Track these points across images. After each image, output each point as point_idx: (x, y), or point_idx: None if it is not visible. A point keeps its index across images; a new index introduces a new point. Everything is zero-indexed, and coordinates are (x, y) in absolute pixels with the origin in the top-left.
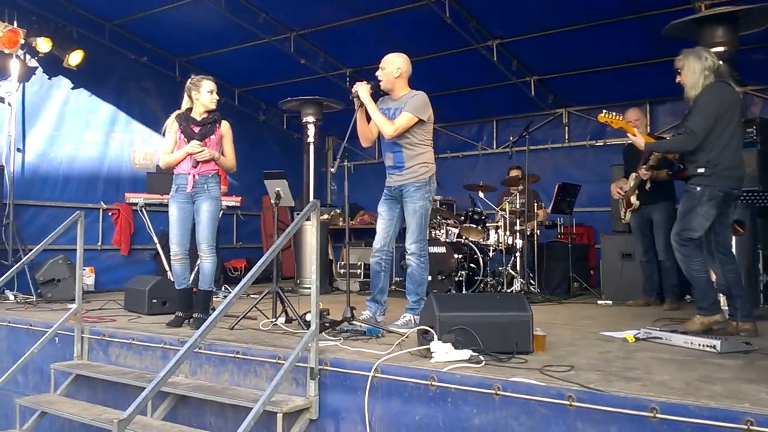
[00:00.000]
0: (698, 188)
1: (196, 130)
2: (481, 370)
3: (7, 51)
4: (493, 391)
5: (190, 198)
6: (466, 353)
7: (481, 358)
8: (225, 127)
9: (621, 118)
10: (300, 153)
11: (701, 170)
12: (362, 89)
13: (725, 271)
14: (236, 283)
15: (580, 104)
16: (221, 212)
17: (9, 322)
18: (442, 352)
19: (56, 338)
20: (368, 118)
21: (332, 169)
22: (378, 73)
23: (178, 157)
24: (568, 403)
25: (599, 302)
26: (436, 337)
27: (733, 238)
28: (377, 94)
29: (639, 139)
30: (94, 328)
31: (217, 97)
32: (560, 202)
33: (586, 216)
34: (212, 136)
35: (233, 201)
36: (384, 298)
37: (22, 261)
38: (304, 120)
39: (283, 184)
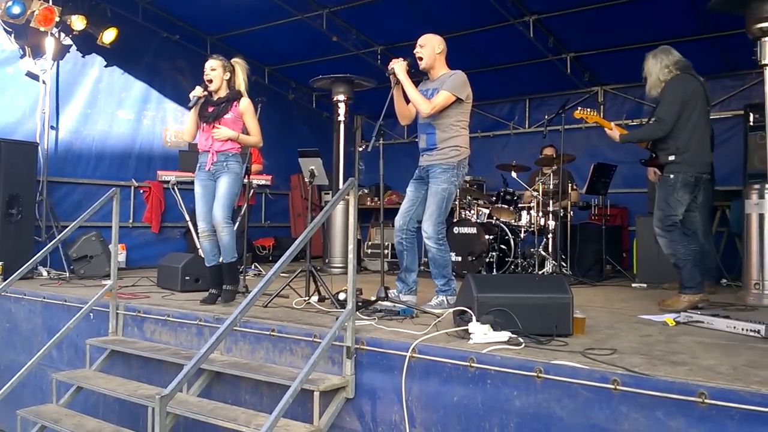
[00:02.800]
0: (671, 175)
1: (210, 110)
2: (521, 352)
3: (42, 28)
4: (535, 374)
5: (212, 175)
6: (505, 335)
7: (521, 340)
8: (244, 104)
9: (595, 114)
10: (328, 132)
11: (672, 157)
12: (399, 66)
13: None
14: (264, 262)
15: (616, 82)
16: (252, 190)
17: (44, 298)
18: (481, 333)
19: (91, 314)
20: (406, 97)
21: (360, 149)
22: (417, 51)
23: (187, 127)
24: (612, 386)
25: (633, 285)
26: (474, 318)
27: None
28: (413, 72)
29: (614, 133)
30: (129, 305)
31: (212, 74)
32: (595, 183)
33: (620, 197)
34: (227, 116)
35: (264, 180)
36: (411, 277)
37: (57, 238)
38: (334, 98)
39: (318, 162)
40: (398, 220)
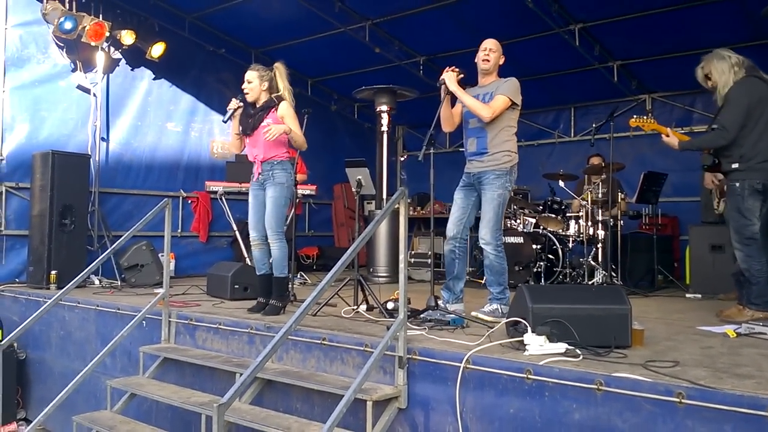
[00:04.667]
0: (737, 184)
1: (249, 120)
2: (579, 365)
3: (93, 43)
4: (595, 386)
5: (261, 185)
6: (562, 347)
7: (578, 351)
8: (282, 108)
9: (652, 121)
10: (371, 142)
11: (735, 165)
12: (449, 77)
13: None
14: (309, 271)
15: (665, 90)
16: (298, 200)
17: (97, 306)
18: (536, 344)
19: (144, 322)
20: (452, 101)
21: (403, 158)
22: (487, 54)
23: (231, 140)
24: (677, 400)
25: (687, 295)
26: (529, 329)
27: None
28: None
29: (672, 140)
30: (181, 313)
31: (248, 86)
32: (645, 192)
33: (670, 206)
34: (264, 122)
35: (309, 189)
36: (459, 286)
37: (111, 247)
38: (377, 109)
39: (365, 172)
40: (451, 229)
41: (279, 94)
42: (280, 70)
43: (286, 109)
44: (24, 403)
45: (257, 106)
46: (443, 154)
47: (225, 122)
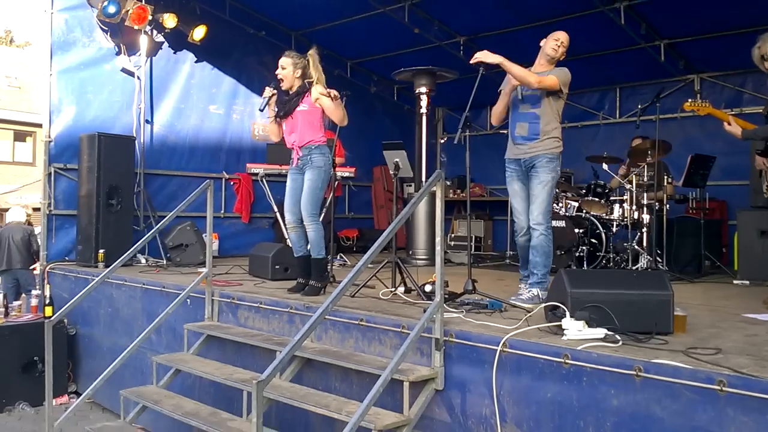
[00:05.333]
0: None
1: (284, 106)
2: (619, 350)
3: (136, 27)
4: (634, 372)
5: (300, 170)
6: (601, 332)
7: (618, 337)
8: (314, 91)
9: (708, 105)
10: (410, 124)
11: None
12: (483, 54)
13: None
14: (349, 252)
15: (714, 70)
16: (337, 182)
17: (143, 284)
18: (575, 329)
19: (188, 300)
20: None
21: (442, 141)
22: (556, 45)
23: (269, 127)
24: (718, 388)
25: (735, 282)
26: (567, 313)
27: None
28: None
29: (734, 128)
30: (224, 292)
31: (282, 72)
32: (693, 175)
33: (719, 190)
34: (299, 108)
35: (347, 172)
36: None
37: (156, 227)
38: (416, 91)
39: (402, 154)
40: (522, 221)
41: (311, 80)
42: (313, 57)
43: (317, 90)
44: (74, 377)
45: (291, 92)
46: (484, 136)
47: (261, 110)
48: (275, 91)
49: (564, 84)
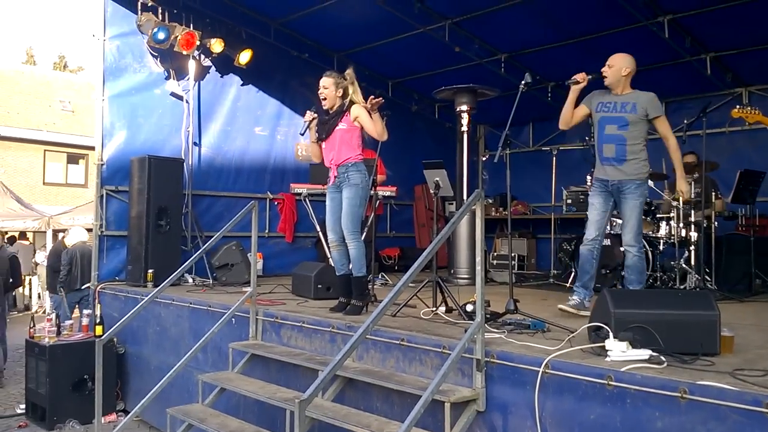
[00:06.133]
0: None
1: (324, 126)
2: (663, 372)
3: (185, 52)
4: (679, 394)
5: (338, 188)
6: (645, 353)
7: (662, 358)
8: (354, 110)
9: (757, 112)
10: (451, 142)
11: None
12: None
13: None
14: (390, 272)
15: (763, 82)
16: (379, 201)
17: (190, 304)
18: (619, 350)
19: (233, 319)
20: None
21: (484, 158)
22: (605, 69)
23: (311, 149)
24: (766, 410)
25: None
26: (611, 334)
27: None
28: (596, 82)
29: None
30: (267, 311)
31: (325, 92)
32: (741, 191)
33: None
34: (339, 126)
35: (389, 191)
36: (593, 284)
37: (203, 247)
38: (457, 109)
39: (442, 173)
40: (591, 231)
41: (350, 99)
42: (350, 76)
43: (359, 110)
44: (123, 395)
45: (330, 111)
46: (526, 153)
47: (302, 134)
48: (316, 115)
49: (662, 110)
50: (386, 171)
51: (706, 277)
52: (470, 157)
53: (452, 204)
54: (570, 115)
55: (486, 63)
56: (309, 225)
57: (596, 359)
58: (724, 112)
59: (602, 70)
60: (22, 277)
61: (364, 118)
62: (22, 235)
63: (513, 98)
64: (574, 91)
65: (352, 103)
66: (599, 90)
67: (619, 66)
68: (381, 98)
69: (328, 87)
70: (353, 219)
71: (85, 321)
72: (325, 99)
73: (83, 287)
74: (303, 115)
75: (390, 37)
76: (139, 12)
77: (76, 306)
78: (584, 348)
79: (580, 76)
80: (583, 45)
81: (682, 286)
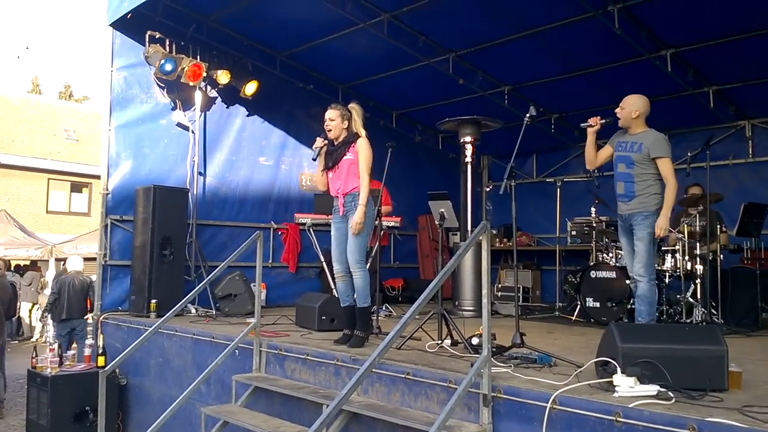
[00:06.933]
0: None
1: (331, 156)
2: (671, 408)
3: (191, 83)
4: (688, 431)
5: (344, 218)
6: (653, 389)
7: (671, 394)
8: (359, 143)
9: None
10: (455, 172)
11: None
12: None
13: None
14: (394, 302)
15: (766, 115)
16: (383, 231)
17: (194, 335)
18: (626, 386)
19: (236, 351)
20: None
21: (488, 189)
22: (618, 110)
23: (316, 177)
24: None
25: None
26: (618, 369)
27: None
28: (612, 127)
29: None
30: (271, 343)
31: (331, 124)
32: (746, 224)
33: None
34: (346, 157)
35: (393, 221)
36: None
37: (208, 278)
38: (461, 140)
39: (447, 205)
40: (628, 269)
41: (356, 132)
42: (356, 110)
43: (363, 145)
44: (123, 427)
45: (336, 142)
46: (529, 183)
47: (314, 160)
48: (326, 142)
49: (669, 151)
50: (392, 202)
51: (713, 310)
52: (474, 188)
53: (456, 234)
54: (593, 156)
55: (489, 95)
56: (312, 255)
57: (604, 395)
58: (728, 144)
59: (615, 111)
60: (18, 306)
61: (362, 157)
62: (33, 264)
63: (516, 129)
64: (590, 134)
65: (358, 135)
66: (621, 130)
67: (629, 109)
68: (386, 146)
69: (334, 119)
70: (359, 249)
71: (87, 351)
72: (330, 130)
73: (75, 319)
74: (308, 145)
75: (394, 69)
76: (147, 44)
77: (68, 337)
78: (592, 383)
79: (593, 120)
80: (586, 78)
81: (688, 320)
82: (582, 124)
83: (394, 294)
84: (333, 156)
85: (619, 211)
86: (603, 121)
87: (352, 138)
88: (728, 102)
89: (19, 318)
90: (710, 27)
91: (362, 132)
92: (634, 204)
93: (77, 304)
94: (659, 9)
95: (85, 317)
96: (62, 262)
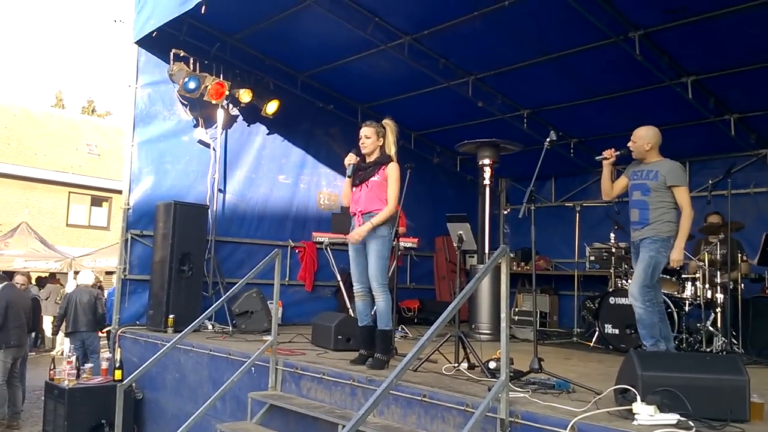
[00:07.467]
0: None
1: (359, 173)
2: None
3: (214, 101)
4: None
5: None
6: (674, 417)
7: (691, 423)
8: (390, 168)
9: None
10: (473, 195)
11: None
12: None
13: None
14: (410, 324)
15: None
16: (400, 252)
17: (210, 351)
18: (646, 414)
19: (252, 368)
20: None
21: (506, 212)
22: (630, 144)
23: (344, 191)
24: None
25: None
26: (638, 397)
27: None
28: (626, 158)
29: None
30: (287, 361)
31: (367, 141)
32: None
33: None
34: (373, 178)
35: (410, 242)
36: (670, 345)
37: (226, 295)
38: (480, 162)
39: (466, 227)
40: None
41: (389, 153)
42: (390, 127)
43: (393, 170)
44: None
45: (367, 160)
46: (548, 207)
47: (349, 176)
48: (358, 158)
49: (685, 180)
50: (407, 223)
51: (733, 340)
52: (491, 211)
53: (473, 257)
54: (609, 187)
55: (508, 118)
56: (329, 274)
57: (623, 422)
58: (749, 172)
59: (628, 144)
60: (40, 320)
61: (392, 181)
62: (52, 276)
63: (535, 153)
64: (606, 167)
65: (390, 159)
66: (636, 161)
67: (641, 142)
68: (405, 167)
69: (369, 136)
70: (382, 271)
71: (104, 365)
72: (365, 147)
73: (83, 332)
74: (326, 164)
75: (414, 90)
76: (172, 62)
77: (82, 350)
78: (611, 411)
79: (608, 153)
80: (607, 103)
81: (708, 349)
82: (597, 158)
83: (410, 315)
84: (361, 175)
85: (631, 239)
86: (617, 152)
87: (384, 160)
88: (749, 130)
89: (42, 331)
90: (731, 55)
91: (393, 150)
92: (646, 231)
93: (84, 317)
94: (680, 36)
95: (95, 331)
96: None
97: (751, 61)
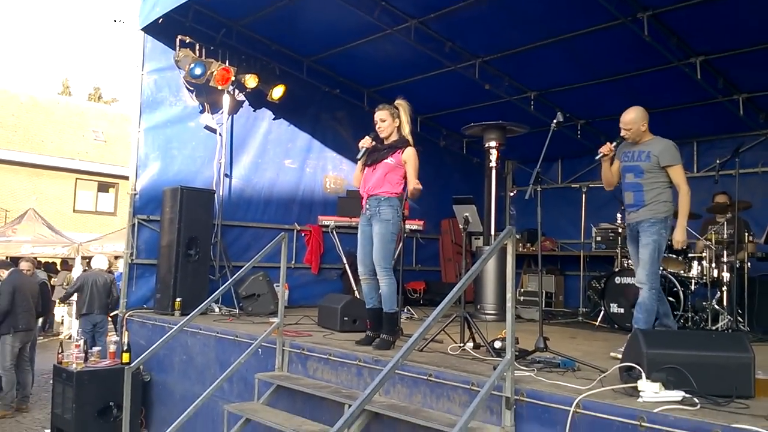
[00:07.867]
0: None
1: (373, 154)
2: (697, 414)
3: (220, 87)
4: None
5: (368, 220)
6: (678, 394)
7: (696, 400)
8: (408, 153)
9: None
10: (479, 177)
11: None
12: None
13: None
14: (415, 305)
15: None
16: (405, 235)
17: (217, 333)
18: (651, 391)
19: (259, 350)
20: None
21: (512, 194)
22: (624, 133)
23: (356, 173)
24: None
25: None
26: (643, 375)
27: None
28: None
29: None
30: (294, 342)
31: (383, 125)
32: None
33: None
34: (386, 160)
35: (416, 225)
36: (668, 321)
37: (233, 277)
38: (486, 145)
39: (472, 209)
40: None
41: (405, 134)
42: (403, 107)
43: (411, 156)
44: (147, 423)
45: (385, 142)
46: (554, 189)
47: (359, 159)
48: (374, 143)
49: (679, 158)
50: (410, 204)
51: (739, 318)
52: (498, 193)
53: (479, 239)
54: (610, 177)
55: (515, 100)
56: (335, 257)
57: (628, 399)
58: (757, 152)
59: (622, 134)
60: (51, 305)
61: (410, 167)
62: (65, 263)
63: (541, 134)
64: (605, 161)
65: (407, 142)
66: (625, 142)
67: (635, 125)
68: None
69: (385, 119)
70: (386, 255)
71: (112, 348)
72: (382, 131)
73: (96, 314)
74: (332, 148)
75: (420, 74)
76: (178, 48)
77: (92, 333)
78: (616, 388)
79: (606, 149)
80: (613, 84)
81: (713, 327)
82: (597, 158)
83: (415, 296)
84: (375, 155)
85: (627, 221)
86: (614, 144)
87: (400, 143)
88: (758, 110)
89: (52, 315)
90: (740, 35)
91: (407, 128)
92: (642, 213)
93: (99, 300)
94: (689, 16)
95: (107, 315)
96: (88, 260)
97: (761, 41)
